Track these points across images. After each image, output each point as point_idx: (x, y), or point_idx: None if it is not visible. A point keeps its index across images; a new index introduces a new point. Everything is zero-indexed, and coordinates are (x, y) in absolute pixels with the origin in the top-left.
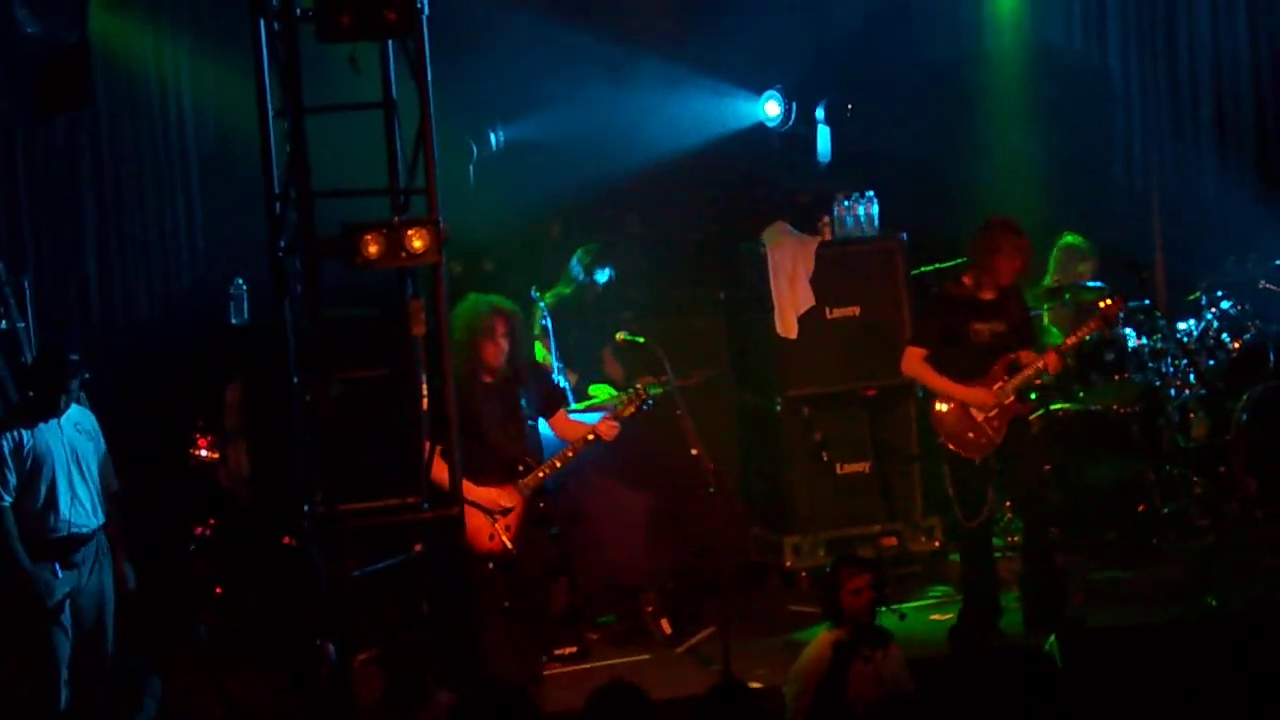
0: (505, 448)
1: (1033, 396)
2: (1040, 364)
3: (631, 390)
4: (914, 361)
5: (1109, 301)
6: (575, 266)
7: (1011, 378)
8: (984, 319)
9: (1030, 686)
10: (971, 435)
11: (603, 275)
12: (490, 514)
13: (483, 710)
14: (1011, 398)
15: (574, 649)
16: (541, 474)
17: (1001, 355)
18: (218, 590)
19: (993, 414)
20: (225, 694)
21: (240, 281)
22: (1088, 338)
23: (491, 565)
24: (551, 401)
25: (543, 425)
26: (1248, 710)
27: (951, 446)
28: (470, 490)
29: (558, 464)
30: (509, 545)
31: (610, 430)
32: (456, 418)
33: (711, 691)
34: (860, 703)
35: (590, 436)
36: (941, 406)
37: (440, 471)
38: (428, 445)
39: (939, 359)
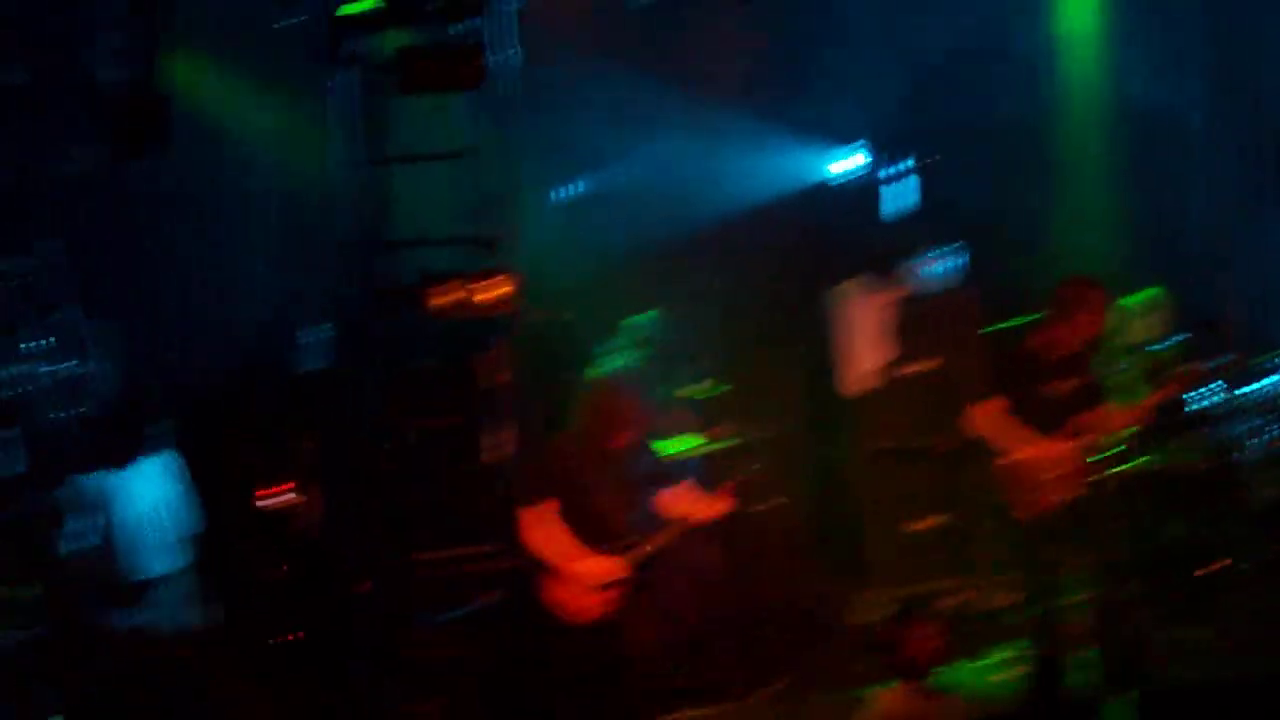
0: (614, 517)
1: (1108, 454)
2: (1116, 428)
3: (740, 472)
4: (988, 417)
5: (1190, 369)
6: (647, 329)
7: (1085, 438)
8: (1059, 377)
9: None
10: (1041, 494)
11: (673, 335)
12: (593, 585)
13: None
14: (1083, 457)
15: None
16: (649, 548)
17: (1076, 414)
18: (291, 637)
19: (1064, 473)
20: None
21: (318, 329)
22: (1162, 403)
23: (589, 634)
24: (656, 476)
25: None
26: None
27: (1021, 504)
28: (577, 559)
29: (663, 540)
30: (609, 616)
31: (710, 512)
32: (569, 484)
33: None
34: None
35: (691, 521)
36: (1011, 464)
37: (532, 532)
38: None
39: (1013, 416)
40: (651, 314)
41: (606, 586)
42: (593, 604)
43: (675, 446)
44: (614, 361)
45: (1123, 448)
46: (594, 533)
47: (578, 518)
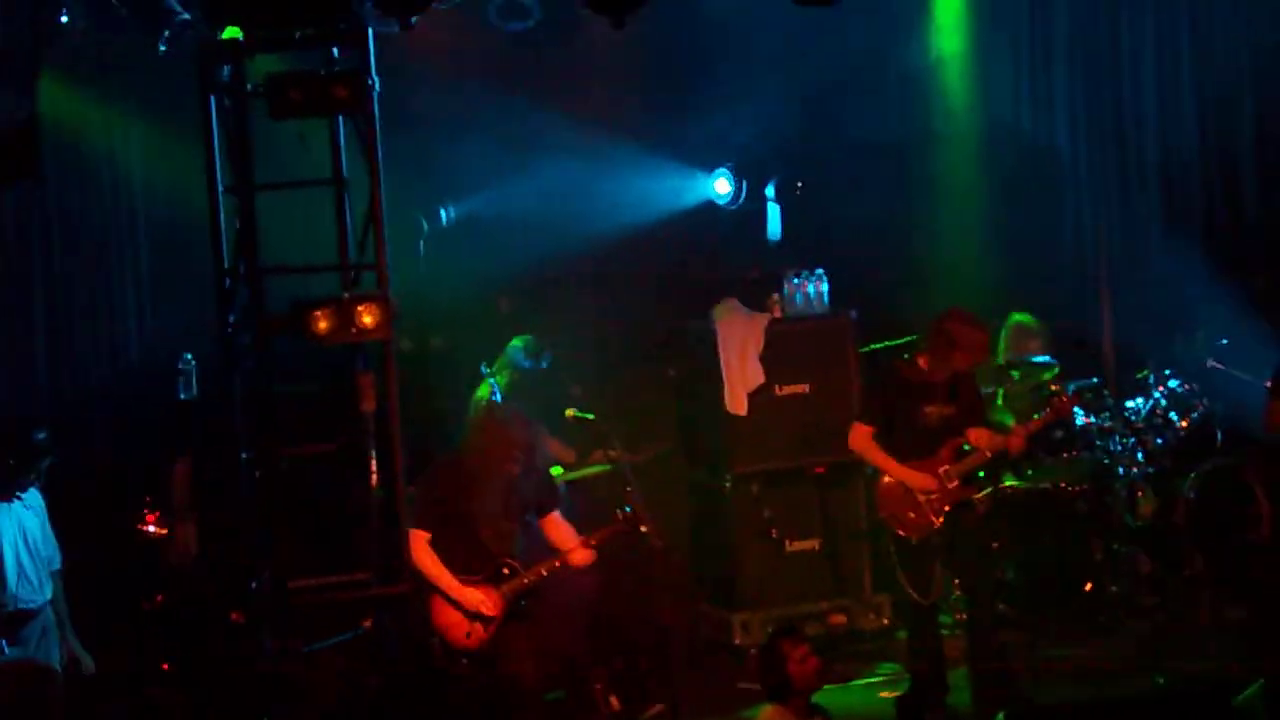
0: (494, 547)
1: (980, 476)
2: (987, 452)
3: (621, 514)
4: (861, 439)
5: (1064, 397)
6: (518, 355)
7: (958, 462)
8: (934, 402)
9: None
10: (913, 516)
11: (545, 361)
12: (469, 614)
13: None
14: (956, 482)
15: None
16: (527, 580)
17: (949, 438)
18: (165, 666)
19: (935, 496)
20: None
21: (189, 357)
22: (1039, 430)
23: (465, 660)
24: (546, 499)
25: None
26: None
27: (894, 525)
28: (455, 588)
29: (544, 572)
30: (485, 644)
31: (585, 558)
32: (452, 511)
33: None
34: None
35: (562, 560)
36: (885, 486)
37: (418, 555)
38: (376, 522)
39: (886, 438)
40: (525, 338)
41: (486, 617)
42: (473, 630)
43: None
44: (488, 387)
45: (998, 469)
46: (475, 559)
47: (459, 545)
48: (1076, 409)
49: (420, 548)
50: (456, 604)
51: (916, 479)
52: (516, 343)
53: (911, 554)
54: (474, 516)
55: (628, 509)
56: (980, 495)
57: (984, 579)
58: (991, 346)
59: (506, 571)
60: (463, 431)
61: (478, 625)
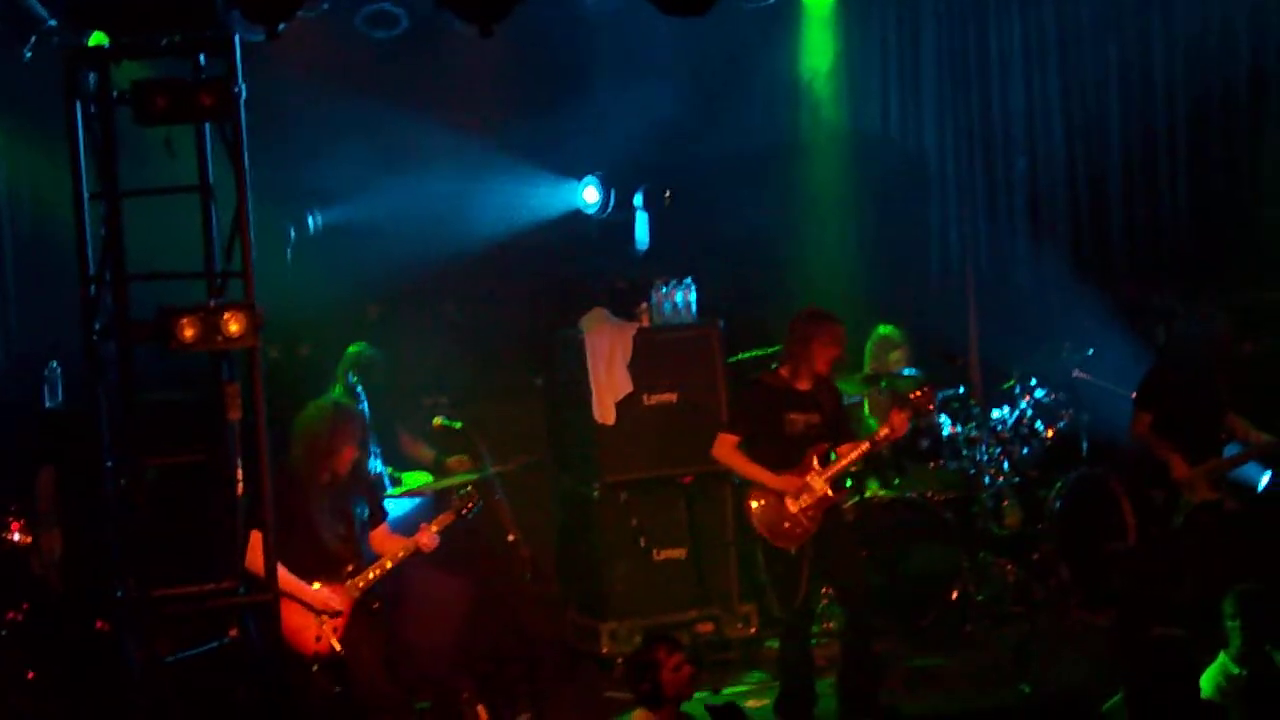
0: (335, 547)
1: (847, 484)
2: (855, 454)
3: (456, 498)
4: (726, 449)
5: (919, 392)
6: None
7: (825, 468)
8: (799, 409)
9: None
10: (787, 525)
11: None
12: (318, 614)
13: None
14: (826, 487)
15: None
16: (372, 575)
17: (815, 445)
18: (30, 675)
19: (807, 503)
20: None
21: (55, 365)
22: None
23: (316, 667)
24: (375, 511)
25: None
26: None
27: (767, 536)
28: (300, 589)
29: (388, 565)
30: (336, 647)
31: (430, 543)
32: (289, 514)
33: None
34: None
35: (412, 547)
36: (756, 500)
37: (256, 558)
38: (242, 531)
39: (752, 447)
40: (362, 345)
41: (333, 615)
42: (322, 633)
43: (412, 480)
44: (334, 390)
45: (866, 478)
46: (316, 561)
47: (300, 548)
48: (943, 418)
49: (258, 551)
50: (303, 604)
51: (786, 484)
52: (357, 347)
53: (782, 564)
54: (313, 520)
55: (463, 492)
56: (848, 504)
57: (857, 585)
58: (858, 356)
59: (350, 569)
60: (292, 435)
61: (326, 626)
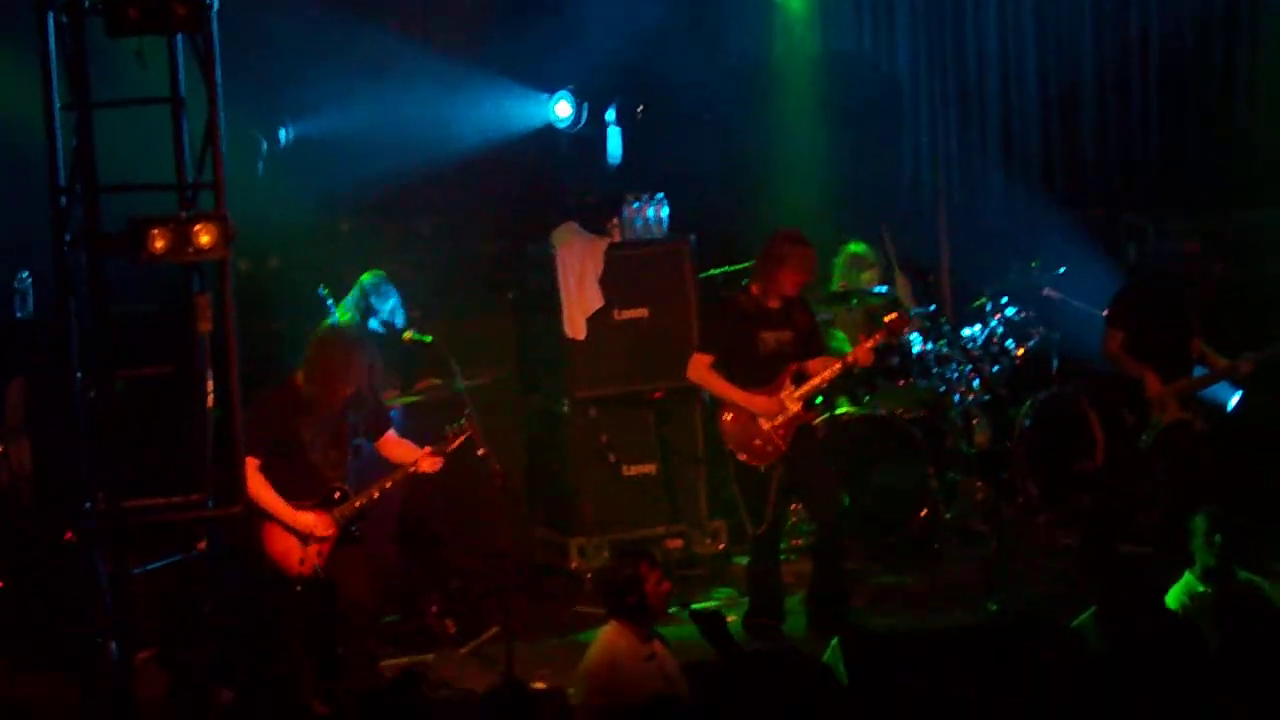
0: (325, 472)
1: (818, 401)
2: (827, 374)
3: (459, 424)
4: (700, 369)
5: (894, 315)
6: (371, 294)
7: (798, 386)
8: (770, 328)
9: (808, 693)
10: (758, 443)
11: (385, 305)
12: (303, 538)
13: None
14: (798, 406)
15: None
16: (359, 503)
17: (788, 364)
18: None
19: (779, 422)
20: (5, 689)
21: (25, 275)
22: (874, 349)
23: (299, 588)
24: (379, 423)
25: None
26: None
27: (739, 455)
28: (285, 513)
29: (375, 494)
30: (320, 571)
31: (433, 464)
32: (283, 437)
33: (493, 692)
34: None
35: (411, 469)
36: (728, 415)
37: (256, 484)
38: (211, 444)
39: (724, 367)
40: (375, 273)
41: (319, 540)
42: (306, 556)
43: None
44: (341, 315)
45: (833, 395)
46: (307, 485)
47: (290, 471)
48: (914, 336)
49: (251, 474)
50: (289, 529)
51: (759, 404)
52: (366, 279)
53: (753, 482)
54: (305, 443)
55: (463, 420)
56: (818, 420)
57: (829, 503)
58: (824, 272)
59: (338, 496)
60: (300, 354)
61: (311, 550)
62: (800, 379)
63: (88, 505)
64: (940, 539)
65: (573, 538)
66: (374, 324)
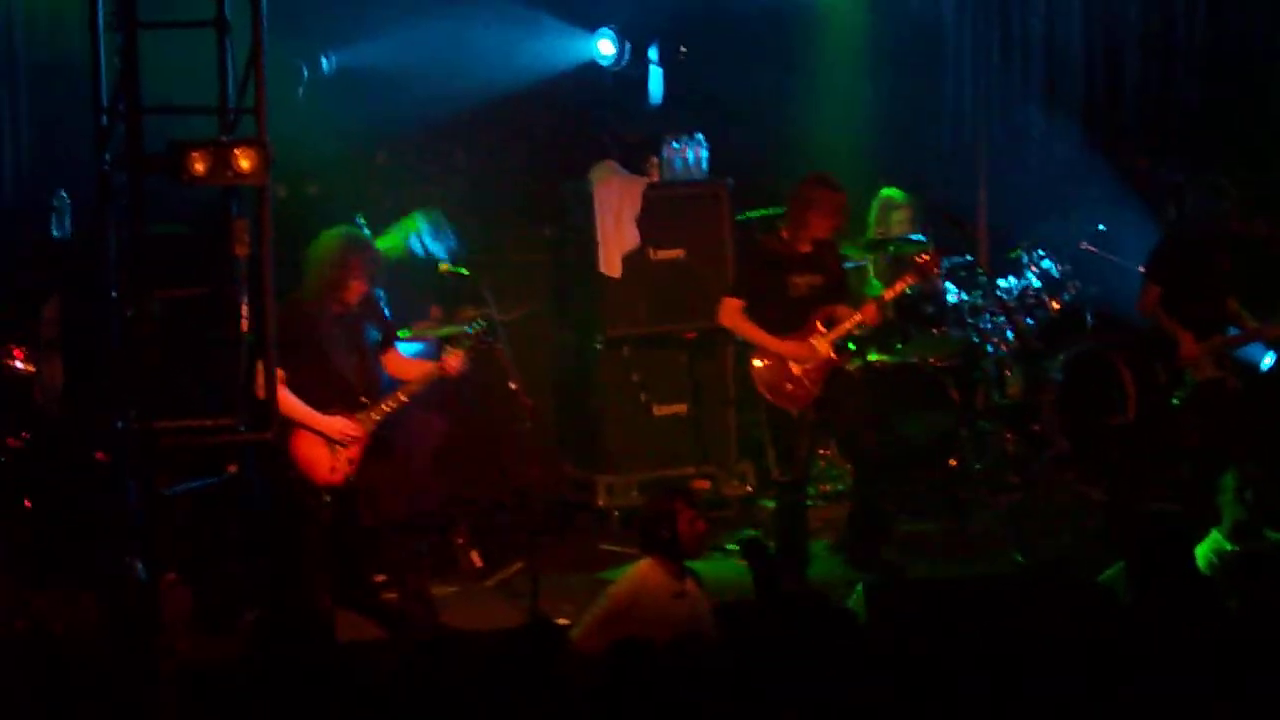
0: (350, 378)
1: (850, 348)
2: (859, 317)
3: (477, 324)
4: (731, 313)
5: (926, 255)
6: (413, 241)
7: (829, 330)
8: (801, 272)
9: (830, 638)
10: (790, 387)
11: (441, 249)
12: (332, 445)
13: (280, 632)
14: (829, 350)
15: (383, 578)
16: (386, 406)
17: (819, 308)
18: (26, 503)
19: (810, 366)
20: (29, 609)
21: (64, 194)
22: (906, 290)
23: (328, 498)
24: (387, 336)
25: None
26: (1046, 669)
27: (770, 398)
28: (313, 418)
29: (403, 397)
30: (351, 477)
31: (456, 363)
32: (300, 346)
33: (519, 628)
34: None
35: (436, 372)
36: (759, 359)
37: (280, 393)
38: (246, 367)
39: (756, 311)
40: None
41: (344, 445)
42: (336, 464)
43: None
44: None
45: (866, 341)
46: (331, 392)
47: (313, 380)
48: (948, 285)
49: (280, 383)
50: (318, 434)
51: (790, 349)
52: (419, 221)
53: (784, 427)
54: (324, 351)
55: (480, 321)
56: (851, 367)
57: (866, 444)
58: (864, 219)
59: (364, 401)
60: (306, 263)
61: (341, 457)
62: (831, 323)
63: (119, 424)
64: (968, 489)
65: (601, 475)
66: (415, 247)
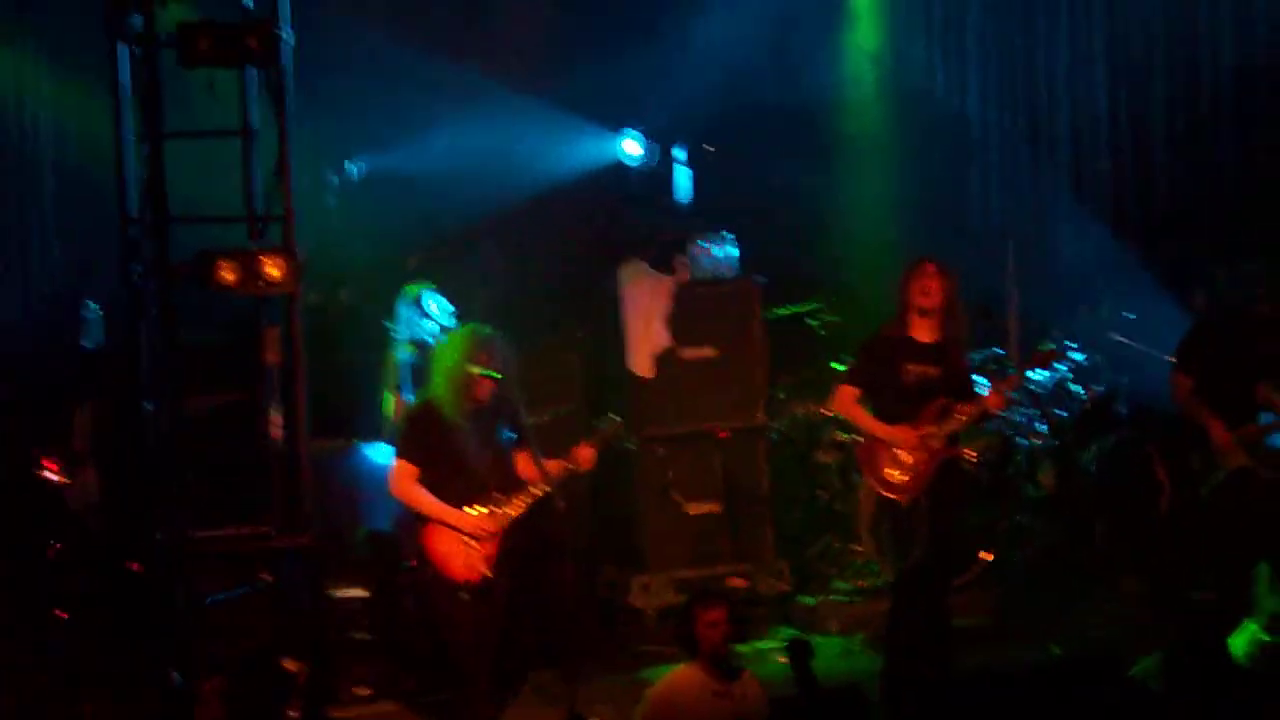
0: (484, 476)
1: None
2: (974, 413)
3: (607, 419)
4: (845, 401)
5: (1050, 350)
6: (408, 312)
7: (943, 423)
8: (917, 361)
9: None
10: (890, 471)
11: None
12: (467, 541)
13: None
14: (941, 443)
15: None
16: (521, 502)
17: (932, 399)
18: (63, 615)
19: (921, 456)
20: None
21: (93, 304)
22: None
23: (466, 595)
24: (521, 434)
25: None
26: None
27: (878, 488)
28: (450, 515)
29: (536, 493)
30: (487, 573)
31: (589, 457)
32: (434, 448)
33: None
34: None
35: (569, 467)
36: (866, 446)
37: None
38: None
39: (871, 400)
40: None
41: (486, 536)
42: (471, 561)
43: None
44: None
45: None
46: (466, 490)
47: (449, 477)
48: (981, 379)
49: (408, 481)
50: (454, 529)
51: (897, 436)
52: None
53: (897, 518)
54: (457, 450)
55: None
56: (971, 452)
57: (950, 545)
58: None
59: (499, 496)
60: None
61: (475, 553)
62: (945, 416)
63: (155, 535)
64: (1004, 581)
65: (636, 575)
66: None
